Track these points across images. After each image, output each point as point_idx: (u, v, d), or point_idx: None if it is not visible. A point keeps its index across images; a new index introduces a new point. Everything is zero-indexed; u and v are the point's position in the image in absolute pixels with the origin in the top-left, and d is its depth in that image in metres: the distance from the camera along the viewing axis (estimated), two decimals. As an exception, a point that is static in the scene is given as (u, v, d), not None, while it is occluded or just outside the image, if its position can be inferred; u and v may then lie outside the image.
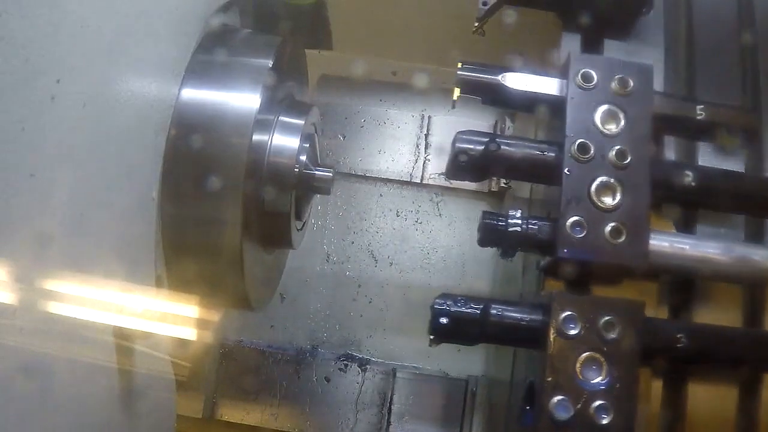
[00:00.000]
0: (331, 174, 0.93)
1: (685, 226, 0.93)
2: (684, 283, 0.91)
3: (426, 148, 1.43)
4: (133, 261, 0.76)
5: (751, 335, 0.89)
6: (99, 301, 0.68)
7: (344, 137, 1.44)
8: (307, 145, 0.90)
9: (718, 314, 0.92)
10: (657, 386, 0.90)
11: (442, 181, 1.40)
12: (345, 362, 1.37)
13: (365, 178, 1.42)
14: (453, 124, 1.42)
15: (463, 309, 0.81)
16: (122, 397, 0.73)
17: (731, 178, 0.91)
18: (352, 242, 1.42)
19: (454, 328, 0.80)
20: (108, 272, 0.69)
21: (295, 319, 1.39)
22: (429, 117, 1.45)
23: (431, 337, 0.80)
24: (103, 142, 0.66)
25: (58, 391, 0.63)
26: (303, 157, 0.89)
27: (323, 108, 1.32)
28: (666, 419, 0.90)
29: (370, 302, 1.39)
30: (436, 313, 0.79)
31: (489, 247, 0.87)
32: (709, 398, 0.91)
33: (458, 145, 0.83)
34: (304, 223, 1.00)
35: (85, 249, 0.65)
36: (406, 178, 1.41)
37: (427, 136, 1.44)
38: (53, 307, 0.61)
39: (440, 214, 1.42)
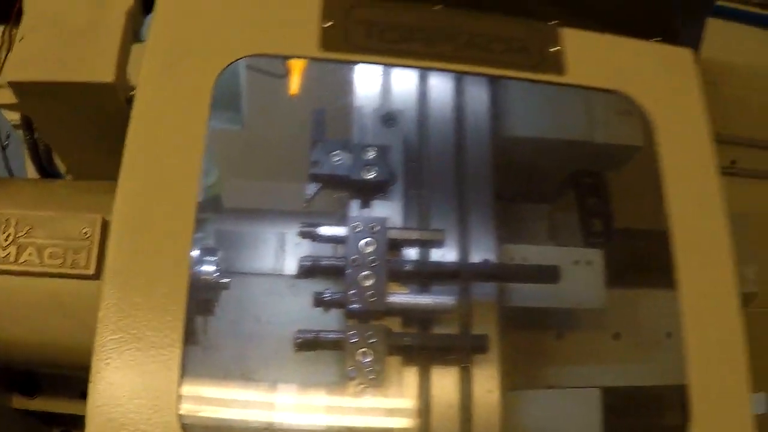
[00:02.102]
0: (228, 279, 1.88)
1: (420, 288, 1.70)
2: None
3: (283, 254, 2.44)
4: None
5: (452, 336, 1.70)
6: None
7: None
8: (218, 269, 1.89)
9: (447, 328, 1.69)
10: (413, 369, 1.62)
11: (294, 272, 2.38)
12: (250, 382, 2.30)
13: (254, 273, 2.34)
14: (297, 239, 2.44)
15: (310, 336, 1.63)
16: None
17: (424, 264, 1.73)
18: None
19: (312, 343, 1.63)
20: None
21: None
22: (284, 234, 2.46)
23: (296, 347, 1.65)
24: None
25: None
26: (216, 275, 1.88)
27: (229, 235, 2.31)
28: (420, 387, 1.62)
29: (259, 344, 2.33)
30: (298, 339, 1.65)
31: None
32: (444, 375, 1.62)
33: (301, 263, 1.72)
34: (218, 304, 1.99)
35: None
36: (275, 272, 2.29)
37: (282, 245, 2.43)
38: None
39: (295, 288, 2.38)
